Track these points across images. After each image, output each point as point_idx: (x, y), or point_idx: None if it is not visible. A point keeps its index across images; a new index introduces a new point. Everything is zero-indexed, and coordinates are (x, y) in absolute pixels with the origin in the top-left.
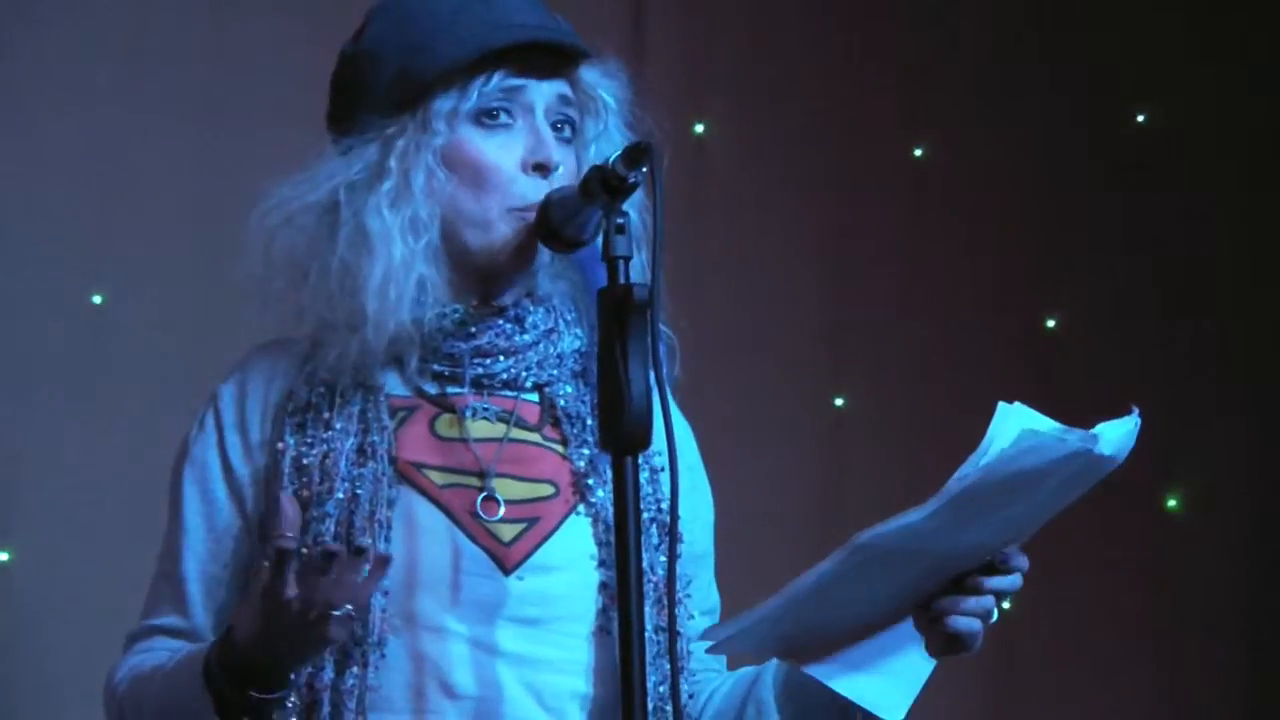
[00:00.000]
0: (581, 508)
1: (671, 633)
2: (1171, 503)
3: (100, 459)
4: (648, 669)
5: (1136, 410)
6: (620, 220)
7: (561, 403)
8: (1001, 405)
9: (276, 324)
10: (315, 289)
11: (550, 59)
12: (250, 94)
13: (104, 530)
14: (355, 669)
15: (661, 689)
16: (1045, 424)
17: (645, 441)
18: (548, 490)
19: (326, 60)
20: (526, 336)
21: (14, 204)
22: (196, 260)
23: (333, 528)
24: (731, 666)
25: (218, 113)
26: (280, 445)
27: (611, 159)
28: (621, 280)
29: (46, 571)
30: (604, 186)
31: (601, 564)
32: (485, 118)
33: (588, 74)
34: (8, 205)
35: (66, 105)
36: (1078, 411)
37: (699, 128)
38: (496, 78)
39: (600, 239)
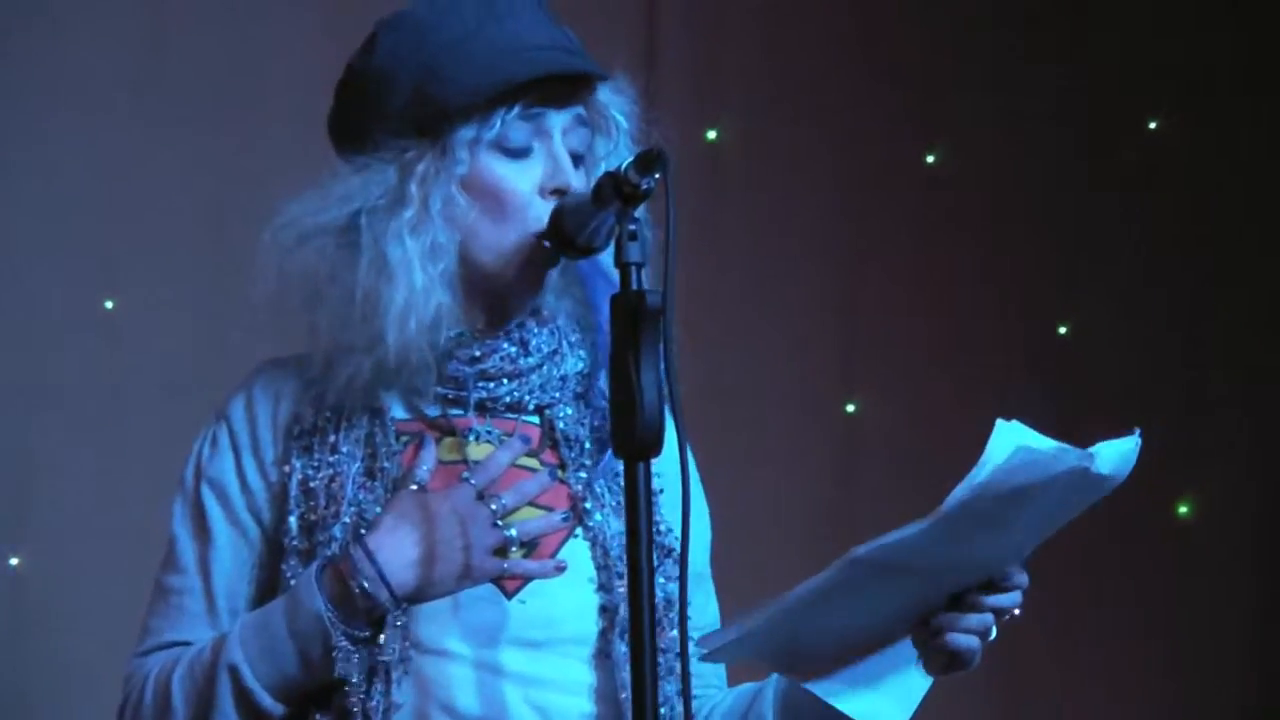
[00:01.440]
0: (580, 531)
1: (684, 651)
2: (1183, 509)
3: (111, 464)
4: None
5: (1138, 431)
6: (633, 227)
7: (561, 425)
8: (999, 422)
9: (289, 342)
10: (333, 312)
11: (569, 84)
12: (265, 98)
13: (115, 536)
14: (380, 685)
15: (663, 710)
16: (1042, 441)
17: (657, 447)
18: (546, 514)
19: (343, 65)
20: (531, 359)
21: (27, 208)
22: (209, 265)
23: (339, 552)
24: (732, 683)
25: (232, 117)
26: (287, 468)
27: (624, 165)
28: (634, 287)
29: (57, 577)
30: (616, 193)
31: (601, 588)
32: (505, 144)
33: (601, 95)
34: (20, 209)
35: (79, 109)
36: (1089, 418)
37: (712, 134)
38: (518, 107)
39: (610, 247)
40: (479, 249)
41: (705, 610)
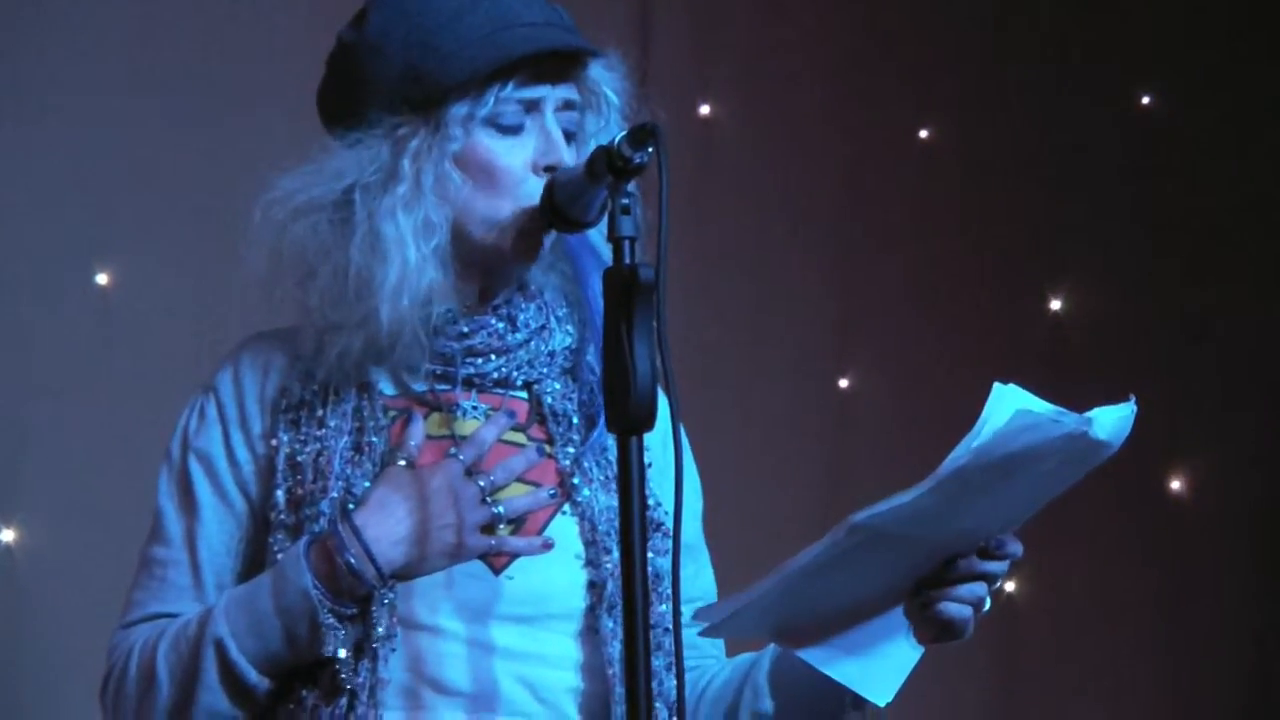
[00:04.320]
0: (567, 507)
1: (676, 626)
2: (1175, 486)
3: (104, 439)
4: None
5: (1133, 398)
6: (626, 201)
7: (548, 400)
8: (997, 386)
9: (282, 318)
10: (325, 289)
11: (561, 60)
12: (256, 77)
13: (108, 511)
14: (366, 662)
15: (651, 685)
16: (1040, 405)
17: (650, 422)
18: (533, 490)
19: (331, 46)
20: (518, 335)
21: (18, 185)
22: (200, 240)
23: (327, 528)
24: (730, 653)
25: (223, 94)
26: (275, 441)
27: (617, 139)
28: (627, 261)
29: (50, 552)
30: (609, 167)
31: (588, 563)
32: (499, 121)
33: (593, 71)
34: (11, 187)
35: (69, 87)
36: (1081, 394)
37: (705, 109)
38: (512, 85)
39: (602, 221)
40: (472, 224)
41: (696, 580)
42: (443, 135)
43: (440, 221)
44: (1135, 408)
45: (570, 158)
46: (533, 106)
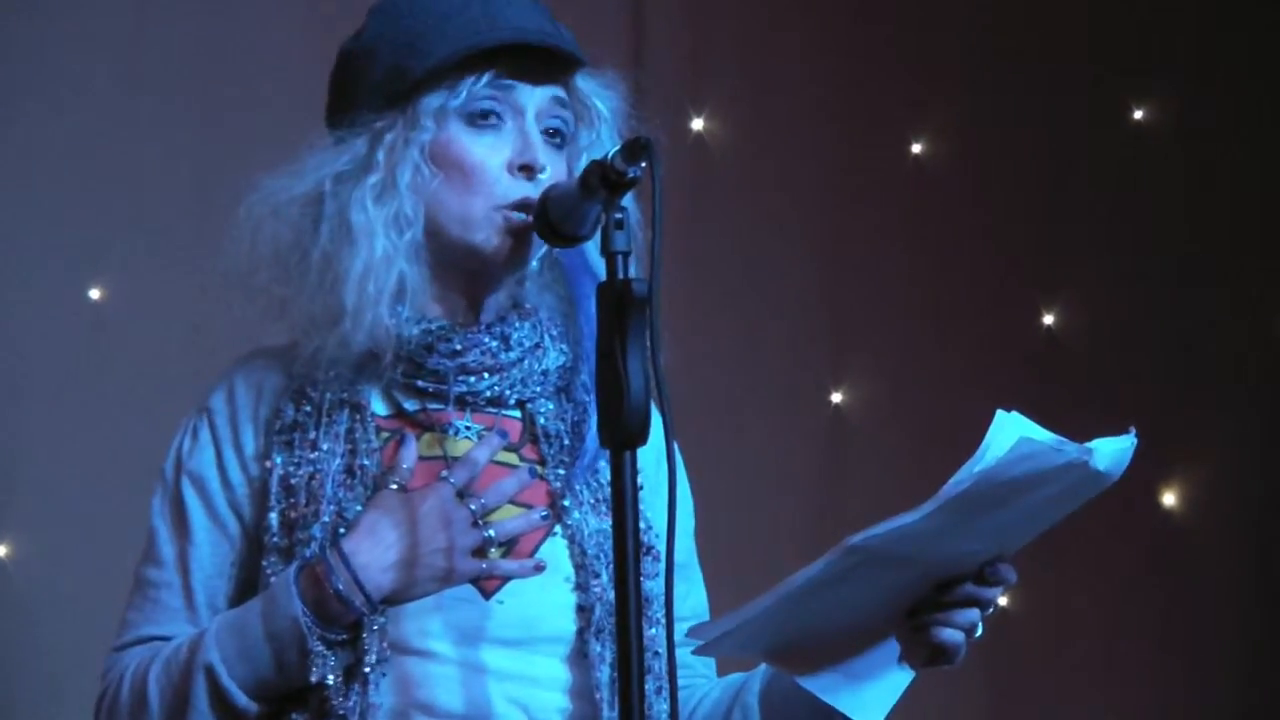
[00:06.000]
0: (558, 529)
1: (670, 647)
2: (1169, 500)
3: (98, 454)
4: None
5: (1134, 430)
6: (619, 215)
7: (541, 420)
8: (999, 413)
9: (261, 317)
10: (297, 281)
11: (545, 64)
12: (250, 87)
13: (102, 525)
14: (357, 687)
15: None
16: (1042, 434)
17: (644, 436)
18: (525, 512)
19: (326, 55)
20: (511, 354)
21: (11, 198)
22: (195, 254)
23: (317, 554)
24: (721, 673)
25: (217, 105)
26: (268, 464)
27: (610, 154)
28: (621, 275)
29: (44, 566)
30: (603, 181)
31: (578, 587)
32: (475, 117)
33: (583, 82)
34: (4, 200)
35: (63, 97)
36: (1075, 410)
37: (698, 123)
38: (487, 77)
39: (596, 235)
40: (445, 220)
41: (687, 600)
42: (416, 127)
43: (413, 216)
44: (1136, 439)
45: (553, 163)
46: (513, 107)
